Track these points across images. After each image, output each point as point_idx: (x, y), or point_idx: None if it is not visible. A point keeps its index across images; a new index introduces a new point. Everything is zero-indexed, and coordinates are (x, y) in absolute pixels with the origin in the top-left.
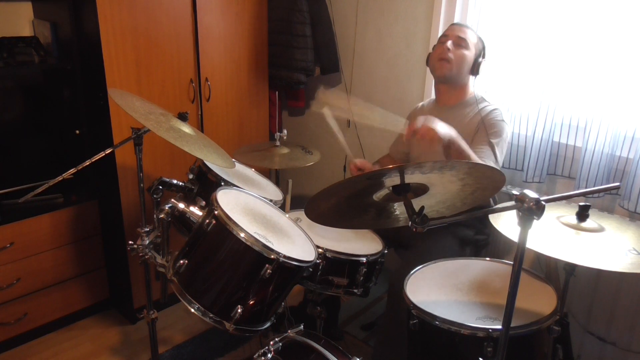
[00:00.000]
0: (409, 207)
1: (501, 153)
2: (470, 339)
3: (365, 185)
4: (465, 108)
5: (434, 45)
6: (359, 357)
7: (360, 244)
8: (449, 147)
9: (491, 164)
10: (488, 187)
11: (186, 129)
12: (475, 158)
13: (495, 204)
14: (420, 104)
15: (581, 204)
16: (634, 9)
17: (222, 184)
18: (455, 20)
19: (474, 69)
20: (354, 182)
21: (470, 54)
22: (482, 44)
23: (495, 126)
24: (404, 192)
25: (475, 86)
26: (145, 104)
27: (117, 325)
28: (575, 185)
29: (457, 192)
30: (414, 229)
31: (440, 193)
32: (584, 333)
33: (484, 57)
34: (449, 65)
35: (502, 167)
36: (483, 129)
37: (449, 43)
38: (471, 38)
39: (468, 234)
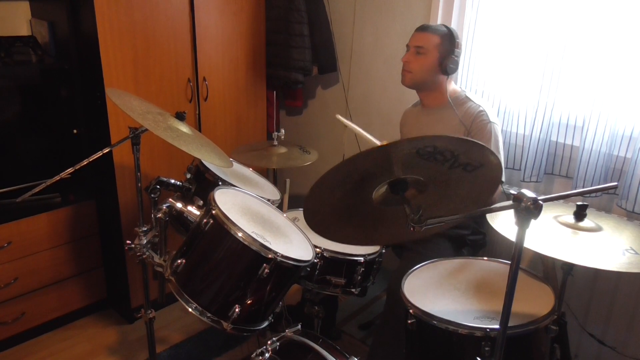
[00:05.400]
0: (406, 206)
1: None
2: (468, 339)
3: (371, 166)
4: (450, 109)
5: None
6: (356, 357)
7: None
8: None
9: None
10: (485, 183)
11: (184, 128)
12: None
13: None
14: (411, 105)
15: (579, 203)
16: (631, 8)
17: (220, 183)
18: (453, 20)
19: (443, 69)
20: (360, 159)
21: (429, 58)
22: (448, 41)
23: (482, 130)
24: (402, 190)
25: (462, 85)
26: (142, 104)
27: (115, 324)
28: (573, 185)
29: (455, 194)
30: (412, 229)
31: (437, 195)
32: (582, 332)
33: (453, 53)
34: (411, 75)
35: None
36: (487, 130)
37: (407, 55)
38: (431, 42)
39: (464, 234)
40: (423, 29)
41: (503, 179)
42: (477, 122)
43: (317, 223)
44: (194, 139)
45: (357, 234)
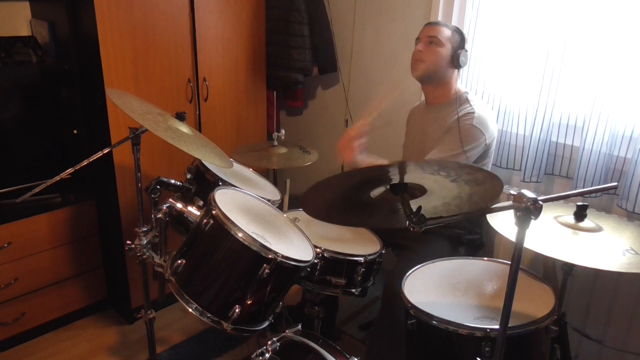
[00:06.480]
0: (406, 206)
1: (451, 149)
2: (468, 339)
3: (364, 180)
4: (450, 108)
5: None
6: (356, 357)
7: (358, 243)
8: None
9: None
10: (486, 193)
11: (184, 128)
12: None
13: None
14: (417, 103)
15: (579, 203)
16: (631, 7)
17: (220, 183)
18: (453, 20)
19: (454, 62)
20: (351, 175)
21: (443, 49)
22: (459, 36)
23: (462, 127)
24: (402, 191)
25: (463, 85)
26: (143, 104)
27: (115, 325)
28: (573, 185)
29: (454, 197)
30: (412, 229)
31: (437, 197)
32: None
33: (463, 47)
34: (424, 65)
35: (500, 166)
36: (456, 131)
37: (420, 45)
38: (444, 34)
39: (460, 234)
40: (435, 23)
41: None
42: (462, 120)
43: (314, 209)
44: (194, 139)
45: (349, 218)
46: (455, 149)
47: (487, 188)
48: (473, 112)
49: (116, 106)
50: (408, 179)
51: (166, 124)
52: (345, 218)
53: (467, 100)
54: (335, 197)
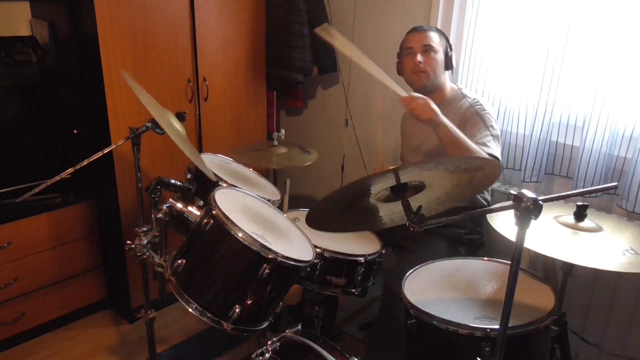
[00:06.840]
0: (406, 207)
1: (483, 139)
2: (468, 339)
3: (359, 190)
4: (446, 107)
5: (398, 54)
6: (356, 357)
7: (358, 243)
8: (438, 129)
9: (498, 151)
10: (485, 176)
11: (181, 128)
12: (471, 144)
13: (489, 203)
14: None
15: (579, 203)
16: (631, 7)
17: (220, 183)
18: (453, 19)
19: (448, 65)
20: (349, 189)
21: (439, 55)
22: (445, 38)
23: (479, 113)
24: (402, 191)
25: (462, 84)
26: (149, 96)
27: (115, 325)
28: (573, 185)
29: (455, 186)
30: (412, 229)
31: (437, 187)
32: (582, 332)
33: (451, 49)
34: (426, 75)
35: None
36: (476, 118)
37: (419, 56)
38: (435, 40)
39: (460, 233)
40: (421, 29)
41: (499, 155)
42: (473, 109)
43: (317, 223)
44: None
45: (352, 225)
46: (485, 136)
47: (486, 172)
48: (478, 100)
49: (116, 106)
50: (407, 178)
51: (168, 120)
52: (349, 225)
53: (464, 95)
54: (337, 207)
